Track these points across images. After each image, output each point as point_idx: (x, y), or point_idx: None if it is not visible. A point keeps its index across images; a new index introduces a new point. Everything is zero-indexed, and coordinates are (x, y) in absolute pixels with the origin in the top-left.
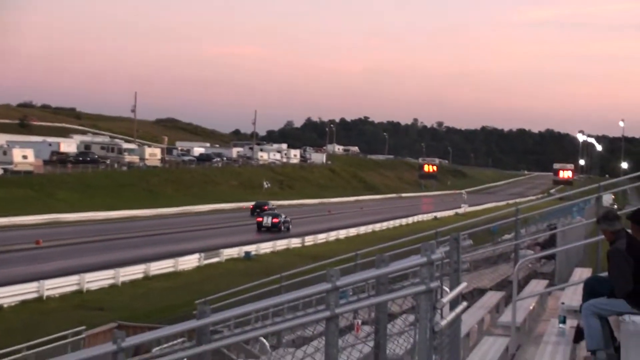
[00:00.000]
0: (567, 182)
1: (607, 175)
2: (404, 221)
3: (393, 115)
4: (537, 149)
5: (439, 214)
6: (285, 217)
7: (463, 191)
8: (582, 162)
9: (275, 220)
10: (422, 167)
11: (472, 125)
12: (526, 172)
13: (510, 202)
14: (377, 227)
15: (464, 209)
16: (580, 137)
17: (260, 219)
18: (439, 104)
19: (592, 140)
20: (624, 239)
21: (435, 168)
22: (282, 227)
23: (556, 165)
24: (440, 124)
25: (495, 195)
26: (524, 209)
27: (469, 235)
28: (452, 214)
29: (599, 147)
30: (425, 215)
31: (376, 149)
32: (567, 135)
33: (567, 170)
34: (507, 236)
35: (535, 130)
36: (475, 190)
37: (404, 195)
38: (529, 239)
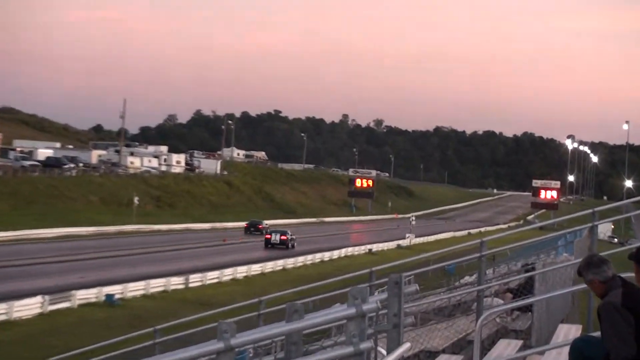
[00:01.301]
0: (550, 206)
1: (605, 197)
2: (326, 255)
3: (314, 110)
4: (511, 160)
5: (376, 247)
6: (292, 235)
7: (411, 215)
8: (571, 178)
9: (283, 237)
10: (353, 181)
11: (423, 125)
12: (495, 190)
13: (473, 231)
14: (290, 263)
15: (410, 239)
16: (570, 144)
17: (269, 236)
18: (377, 97)
19: (585, 148)
20: (618, 288)
21: (371, 183)
22: (289, 245)
23: (536, 183)
24: (379, 122)
25: (453, 223)
26: (491, 243)
27: (416, 277)
28: (393, 246)
29: (594, 158)
30: (356, 248)
31: (290, 156)
32: (552, 142)
33: (551, 189)
34: (467, 279)
35: (508, 133)
36: (425, 215)
37: (327, 219)
38: (498, 284)
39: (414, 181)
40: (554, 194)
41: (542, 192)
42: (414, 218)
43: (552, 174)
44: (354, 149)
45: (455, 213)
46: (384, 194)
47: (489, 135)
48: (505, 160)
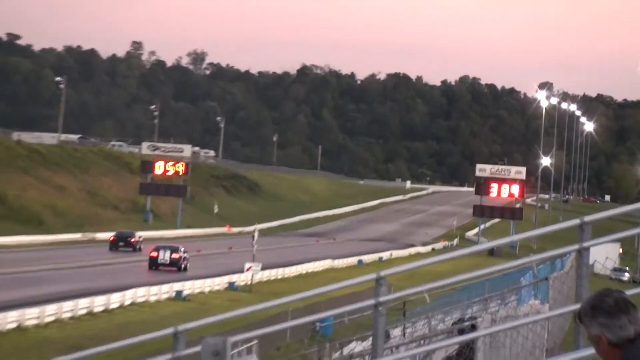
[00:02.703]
0: (508, 212)
1: (606, 197)
2: (98, 304)
3: (78, 37)
4: (438, 128)
5: (188, 287)
6: (185, 252)
7: (253, 229)
8: (546, 161)
9: (175, 255)
10: (148, 166)
11: (279, 65)
12: (409, 184)
13: (367, 259)
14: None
15: (252, 274)
16: (544, 99)
17: (155, 254)
18: (200, 23)
19: (571, 107)
20: None
21: (182, 169)
22: (183, 265)
23: (483, 170)
24: (198, 58)
25: (332, 244)
26: (396, 280)
27: (261, 342)
28: (221, 287)
29: (588, 125)
30: (153, 289)
31: (35, 118)
32: (511, 94)
33: (510, 181)
34: (354, 346)
35: (434, 78)
36: (281, 228)
37: (98, 236)
38: (409, 355)
39: (262, 166)
40: (515, 190)
41: (494, 187)
42: (256, 234)
43: (512, 154)
44: (152, 107)
45: (336, 225)
46: (206, 190)
47: (398, 81)
48: (428, 129)
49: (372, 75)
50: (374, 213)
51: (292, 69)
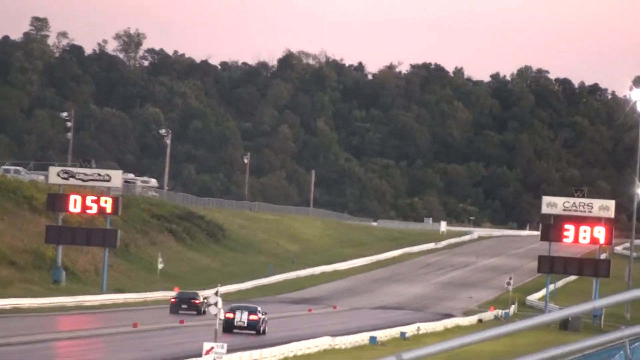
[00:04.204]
0: (591, 267)
1: None
2: None
3: None
4: (486, 144)
5: None
6: (264, 313)
7: (214, 291)
8: None
9: (253, 317)
10: (59, 201)
11: (258, 51)
12: (443, 225)
13: (383, 335)
14: None
15: (213, 355)
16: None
17: (231, 315)
18: None
19: None
20: None
21: (111, 206)
22: (261, 328)
23: (550, 203)
24: (131, 42)
25: (324, 314)
26: None
27: None
28: None
29: None
30: None
31: None
32: (593, 92)
33: (593, 221)
34: None
35: (482, 73)
36: (252, 291)
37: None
38: None
39: (227, 201)
40: (599, 233)
41: (569, 229)
42: (219, 300)
43: (595, 182)
44: (64, 114)
45: (337, 286)
46: (145, 236)
47: (428, 75)
48: (472, 145)
49: (390, 67)
50: (392, 269)
51: (272, 58)
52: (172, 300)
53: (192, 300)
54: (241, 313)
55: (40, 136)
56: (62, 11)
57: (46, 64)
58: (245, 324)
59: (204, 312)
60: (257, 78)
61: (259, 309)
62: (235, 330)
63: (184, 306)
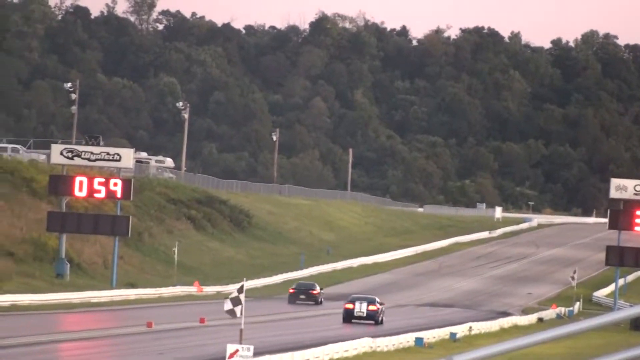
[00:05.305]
0: None
1: None
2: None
3: None
4: (547, 119)
5: None
6: (382, 303)
7: (240, 286)
8: None
9: (372, 307)
10: (62, 184)
11: (287, 14)
12: (498, 211)
13: (430, 336)
14: None
15: (238, 359)
16: None
17: (350, 306)
18: None
19: None
20: None
21: (121, 189)
22: (380, 318)
23: (620, 186)
24: (143, 3)
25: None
26: None
27: None
28: None
29: None
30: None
31: None
32: None
33: None
34: None
35: (541, 39)
36: (283, 285)
37: None
38: None
39: (254, 183)
40: None
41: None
42: (243, 296)
43: None
44: (67, 85)
45: (378, 280)
46: (160, 224)
47: (481, 41)
48: (531, 121)
49: (437, 32)
50: (441, 261)
51: (303, 21)
52: (291, 290)
53: (310, 291)
54: (360, 304)
55: (41, 110)
56: None
57: (47, 29)
58: (365, 314)
59: (321, 302)
60: (286, 44)
61: (377, 299)
62: (354, 321)
63: (302, 297)
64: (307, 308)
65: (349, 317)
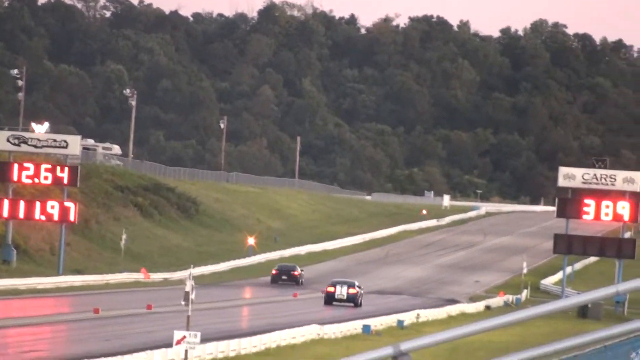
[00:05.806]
0: (613, 247)
1: None
2: None
3: None
4: (495, 108)
5: None
6: (360, 287)
7: (187, 274)
8: None
9: (352, 291)
10: (7, 170)
11: (236, 2)
12: (446, 199)
13: (378, 323)
14: None
15: (185, 345)
16: None
17: (331, 289)
18: None
19: None
20: None
21: (68, 176)
22: (359, 301)
23: (568, 174)
24: None
25: (310, 300)
26: (425, 354)
27: None
28: None
29: None
30: None
31: None
32: (619, 49)
33: (616, 196)
34: None
35: (490, 28)
36: (229, 273)
37: None
38: None
39: (201, 171)
40: (623, 209)
41: (588, 205)
42: (191, 283)
43: (619, 151)
44: (14, 72)
45: (325, 268)
46: (107, 211)
47: (429, 29)
48: (479, 110)
49: (385, 20)
50: (388, 248)
51: (251, 9)
52: (274, 272)
53: (292, 272)
54: (341, 287)
55: None
56: None
57: None
58: (345, 297)
59: (302, 283)
60: (234, 32)
61: (357, 283)
62: (335, 303)
63: (284, 277)
64: (256, 295)
65: (330, 299)
